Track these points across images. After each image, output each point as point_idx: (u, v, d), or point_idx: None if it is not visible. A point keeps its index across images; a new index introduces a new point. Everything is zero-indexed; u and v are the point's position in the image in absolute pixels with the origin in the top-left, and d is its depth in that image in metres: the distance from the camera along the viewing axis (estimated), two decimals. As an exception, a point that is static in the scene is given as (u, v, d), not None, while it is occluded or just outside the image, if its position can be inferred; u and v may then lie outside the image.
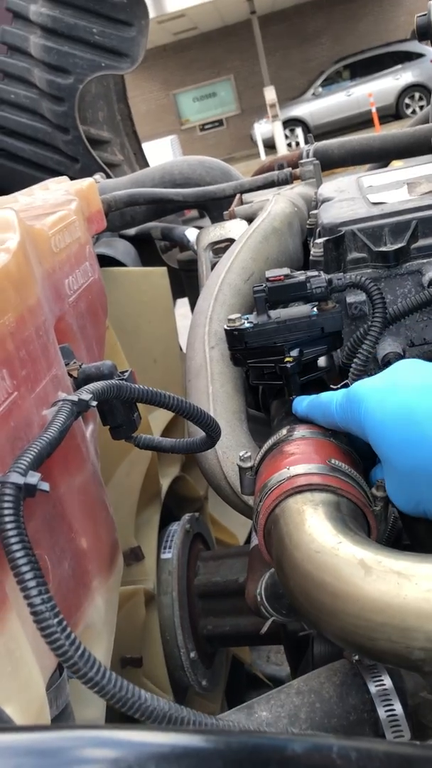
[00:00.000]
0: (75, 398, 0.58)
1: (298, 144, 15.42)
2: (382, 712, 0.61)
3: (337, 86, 16.06)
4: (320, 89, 16.18)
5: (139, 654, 1.12)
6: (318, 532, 0.56)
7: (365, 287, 0.80)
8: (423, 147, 1.35)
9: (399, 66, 14.79)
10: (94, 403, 0.59)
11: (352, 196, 1.02)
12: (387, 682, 0.62)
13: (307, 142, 1.57)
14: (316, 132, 15.82)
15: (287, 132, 15.26)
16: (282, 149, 13.88)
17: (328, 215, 0.92)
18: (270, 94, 14.01)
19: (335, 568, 0.52)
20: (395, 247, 0.84)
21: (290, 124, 15.71)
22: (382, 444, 0.59)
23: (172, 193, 1.35)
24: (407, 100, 14.79)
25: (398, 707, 0.61)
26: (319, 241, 0.87)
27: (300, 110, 15.98)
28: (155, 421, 1.35)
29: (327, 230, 0.88)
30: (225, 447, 0.85)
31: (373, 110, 13.33)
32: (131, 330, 1.39)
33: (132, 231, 1.87)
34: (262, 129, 15.60)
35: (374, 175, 1.14)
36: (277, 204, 1.05)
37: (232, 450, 0.85)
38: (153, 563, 1.22)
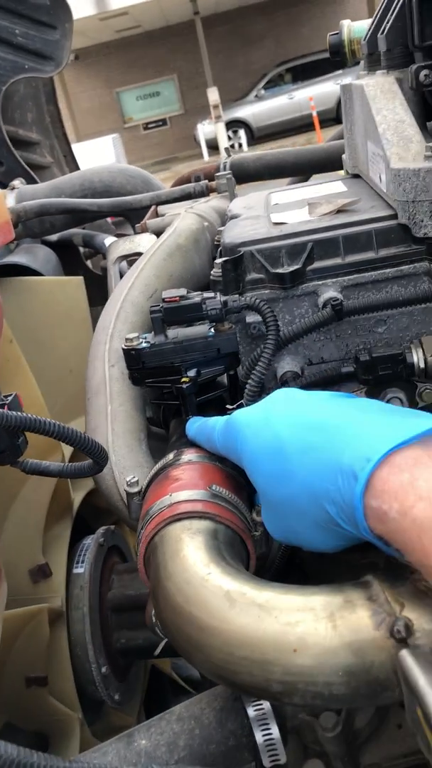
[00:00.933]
0: None
1: (240, 146, 15.51)
2: (259, 737, 0.62)
3: (279, 89, 16.24)
4: (263, 92, 16.32)
5: (45, 673, 1.10)
6: (190, 562, 0.56)
7: (259, 309, 0.81)
8: (336, 163, 1.37)
9: (340, 71, 15.02)
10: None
11: (257, 215, 1.02)
12: (266, 705, 0.63)
13: (228, 155, 1.58)
14: (258, 134, 15.95)
15: (230, 133, 15.33)
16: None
17: (230, 234, 0.93)
18: (213, 95, 14.05)
19: (202, 601, 0.52)
20: (291, 268, 0.85)
21: (233, 125, 15.79)
22: (255, 475, 0.60)
23: (86, 203, 1.33)
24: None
25: (275, 731, 0.62)
26: (219, 261, 0.87)
27: (243, 112, 16.09)
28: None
29: (227, 250, 0.89)
30: (122, 467, 0.85)
31: (314, 114, 13.52)
32: (46, 340, 1.36)
33: (54, 237, 1.85)
34: (205, 129, 15.64)
35: (283, 191, 1.16)
36: (183, 220, 1.05)
37: (129, 471, 0.84)
38: (62, 579, 1.20)
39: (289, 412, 0.60)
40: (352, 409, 0.57)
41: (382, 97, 0.95)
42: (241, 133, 15.54)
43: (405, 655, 0.43)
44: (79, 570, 1.28)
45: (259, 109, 15.99)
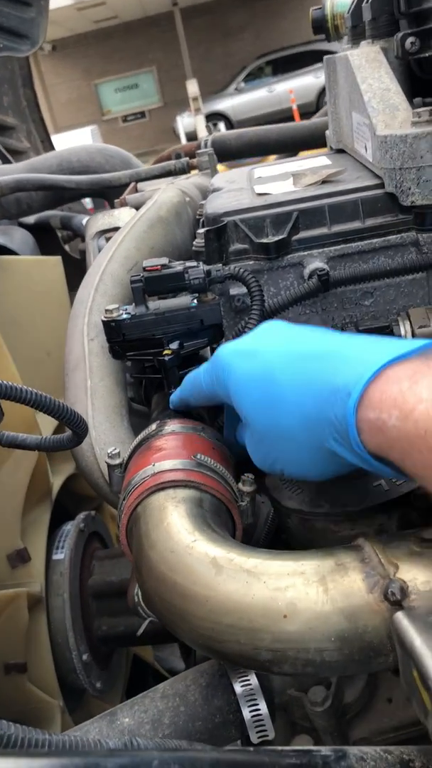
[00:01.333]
0: None
1: (220, 139, 15.42)
2: (246, 713, 0.60)
3: (259, 82, 16.19)
4: (242, 84, 16.27)
5: (24, 659, 1.07)
6: (174, 530, 0.54)
7: (243, 279, 0.79)
8: (319, 140, 1.35)
9: (319, 64, 14.99)
10: None
11: (240, 187, 1.00)
12: (253, 681, 0.61)
13: (209, 132, 1.55)
14: (238, 127, 15.88)
15: (210, 126, 15.27)
16: (204, 143, 13.85)
17: (213, 205, 0.90)
18: (192, 87, 13.98)
19: (187, 568, 0.50)
20: (276, 238, 0.83)
21: (213, 118, 15.72)
22: (243, 403, 0.59)
23: (64, 180, 1.30)
24: (324, 109, 15.03)
25: (263, 707, 0.60)
26: (201, 231, 0.85)
27: (222, 104, 16.03)
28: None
29: (210, 220, 0.86)
30: (103, 443, 0.82)
31: (294, 107, 13.50)
32: (22, 322, 1.33)
33: (31, 219, 1.81)
34: (184, 122, 15.55)
35: (266, 166, 1.13)
36: (165, 193, 1.02)
37: (110, 447, 0.82)
38: (41, 565, 1.17)
39: (277, 341, 0.60)
40: (342, 337, 0.56)
41: (368, 66, 0.93)
42: (221, 125, 15.45)
43: (400, 617, 0.42)
44: (59, 556, 1.26)
45: (238, 102, 15.93)
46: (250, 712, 0.60)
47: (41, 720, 1.14)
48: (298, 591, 0.45)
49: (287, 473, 0.60)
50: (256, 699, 0.60)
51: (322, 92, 15.03)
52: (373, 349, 0.50)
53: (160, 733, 0.59)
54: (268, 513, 0.81)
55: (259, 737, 0.60)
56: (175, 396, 0.74)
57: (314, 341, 0.57)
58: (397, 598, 0.43)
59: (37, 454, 1.17)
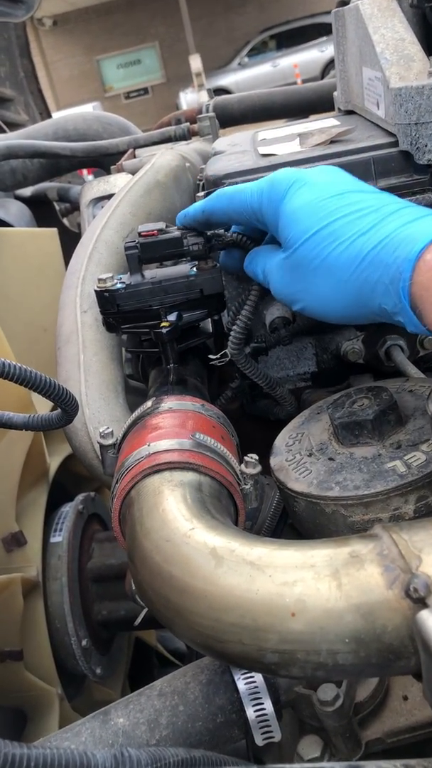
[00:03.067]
0: None
1: (224, 115, 15.22)
2: (250, 713, 0.55)
3: (263, 56, 15.92)
4: (246, 59, 16.01)
5: (20, 647, 1.03)
6: (170, 516, 0.49)
7: (246, 246, 0.73)
8: (327, 103, 1.28)
9: (324, 38, 14.74)
10: None
11: (243, 150, 0.94)
12: (258, 678, 0.56)
13: (211, 97, 1.48)
14: (242, 103, 15.63)
15: (213, 102, 15.04)
16: (208, 120, 13.67)
17: (214, 168, 0.85)
18: (195, 62, 13.75)
19: (184, 559, 0.45)
20: (281, 201, 0.77)
21: (216, 93, 15.42)
22: (292, 229, 0.61)
23: (58, 147, 1.24)
24: (332, 72, 14.77)
25: (268, 706, 0.55)
26: (201, 194, 0.79)
27: (226, 80, 15.77)
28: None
29: (211, 183, 0.81)
30: (97, 422, 0.77)
31: (299, 82, 13.28)
32: (17, 297, 1.28)
33: (28, 192, 1.75)
34: (187, 98, 15.33)
35: (271, 129, 1.07)
36: (163, 156, 0.96)
37: (104, 425, 0.77)
38: (38, 548, 1.13)
39: (348, 179, 0.63)
40: (407, 203, 0.59)
41: (380, 15, 0.86)
42: (225, 101, 15.24)
43: (425, 616, 0.37)
44: (57, 539, 1.21)
45: (242, 77, 15.67)
46: (255, 711, 0.55)
47: (39, 709, 1.10)
48: (307, 586, 0.40)
49: (307, 309, 0.63)
50: (260, 698, 0.56)
51: (326, 66, 14.77)
52: None
53: (157, 735, 0.55)
54: (274, 495, 0.76)
55: (264, 739, 0.55)
56: (197, 208, 0.72)
57: (378, 197, 0.60)
58: (420, 595, 0.38)
59: (32, 434, 1.12)
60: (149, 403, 0.64)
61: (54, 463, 1.26)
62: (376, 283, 0.56)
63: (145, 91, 19.24)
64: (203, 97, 13.94)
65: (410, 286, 0.52)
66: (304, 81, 13.51)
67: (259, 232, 0.73)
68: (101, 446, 0.64)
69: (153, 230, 0.73)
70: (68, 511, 1.26)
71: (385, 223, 0.56)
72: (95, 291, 0.74)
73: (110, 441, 0.63)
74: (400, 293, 0.53)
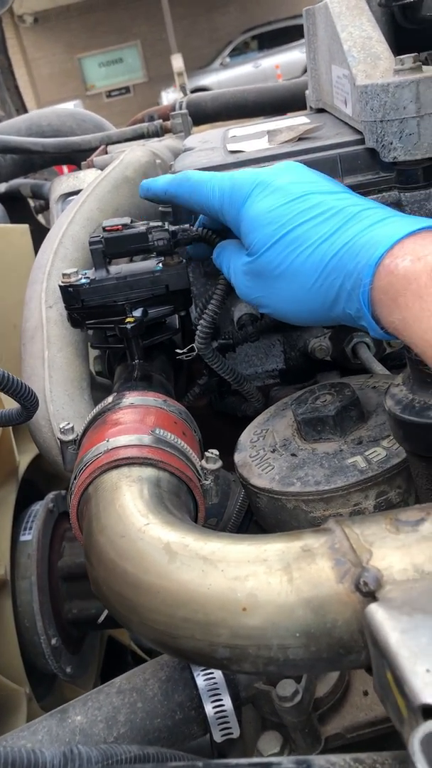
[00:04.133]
0: None
1: (205, 114, 15.20)
2: (209, 709, 0.55)
3: (245, 57, 15.95)
4: (228, 59, 16.03)
5: (-14, 646, 1.02)
6: (126, 512, 0.48)
7: (212, 241, 0.73)
8: (300, 102, 1.28)
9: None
10: None
11: (213, 146, 0.94)
12: (217, 675, 0.56)
13: (185, 93, 1.48)
14: (223, 103, 15.62)
15: (195, 102, 15.03)
16: (189, 119, 13.66)
17: (182, 164, 0.84)
18: (177, 62, 13.73)
19: (138, 555, 0.45)
20: (248, 197, 0.76)
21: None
22: (255, 235, 0.60)
23: (29, 143, 1.22)
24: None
25: (227, 702, 0.55)
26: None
27: (208, 80, 15.76)
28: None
29: (178, 179, 0.80)
30: (61, 418, 0.76)
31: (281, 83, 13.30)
32: (-13, 293, 1.26)
33: (1, 188, 1.73)
34: (169, 97, 15.28)
35: (242, 126, 1.07)
36: (132, 152, 0.95)
37: (68, 422, 0.76)
38: (7, 546, 1.11)
39: (305, 181, 0.62)
40: (369, 202, 0.60)
41: (348, 13, 0.86)
42: (206, 101, 15.23)
43: (373, 610, 0.36)
44: (26, 537, 1.20)
45: (224, 77, 15.66)
46: (214, 708, 0.55)
47: (7, 708, 1.09)
48: (259, 580, 0.40)
49: (273, 313, 0.63)
50: (220, 694, 0.55)
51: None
52: (402, 217, 0.56)
53: (115, 732, 0.54)
54: (239, 492, 0.76)
55: (222, 735, 0.55)
56: (161, 185, 0.72)
57: (339, 197, 0.60)
58: (370, 589, 0.38)
59: (1, 431, 1.11)
60: (110, 399, 0.63)
61: (24, 460, 1.25)
62: (339, 289, 0.56)
63: (127, 90, 19.18)
64: (177, 98, 13.90)
65: (370, 291, 0.52)
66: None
67: (224, 224, 0.73)
68: (61, 442, 0.63)
69: (118, 225, 0.72)
70: (38, 509, 1.25)
71: (347, 227, 0.56)
72: (59, 286, 0.73)
73: (71, 437, 0.63)
74: (360, 299, 0.53)
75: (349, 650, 0.39)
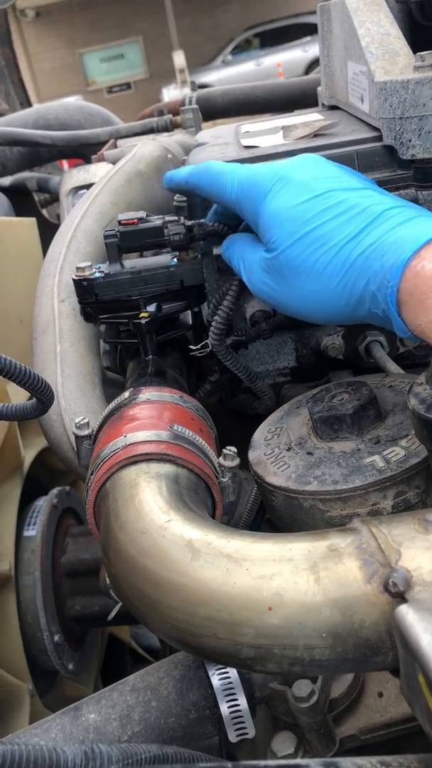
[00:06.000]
0: None
1: (206, 112, 15.18)
2: (224, 709, 0.54)
3: (246, 55, 15.90)
4: (230, 57, 15.98)
5: (-10, 642, 1.02)
6: (146, 509, 0.48)
7: (226, 237, 0.72)
8: (311, 98, 1.28)
9: (308, 38, 14.76)
10: None
11: (226, 142, 0.93)
12: (232, 674, 0.56)
13: (194, 89, 1.47)
14: (225, 101, 15.58)
15: (196, 99, 15.00)
16: (190, 116, 13.63)
17: (196, 159, 0.84)
18: (179, 58, 13.69)
19: (160, 552, 0.44)
20: (264, 193, 0.76)
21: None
22: (276, 232, 0.59)
23: (38, 135, 1.22)
24: (317, 69, 14.79)
25: (243, 701, 0.55)
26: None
27: (209, 77, 15.71)
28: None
29: (193, 174, 0.79)
30: (73, 413, 0.76)
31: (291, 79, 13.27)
32: (-6, 286, 1.26)
33: (6, 181, 1.72)
34: (171, 94, 15.25)
35: (254, 122, 1.06)
36: (145, 147, 0.95)
37: (80, 417, 0.75)
38: (11, 542, 1.11)
39: (330, 176, 0.61)
40: (394, 200, 0.59)
41: (366, 9, 0.86)
42: (208, 98, 15.20)
43: (403, 612, 0.36)
44: (30, 533, 1.20)
45: (226, 75, 15.61)
46: (229, 707, 0.54)
47: (10, 705, 1.09)
48: (285, 580, 0.40)
49: (292, 312, 0.62)
50: (235, 693, 0.55)
51: (310, 66, 14.78)
52: (427, 220, 0.55)
53: (129, 731, 0.54)
54: (251, 490, 0.75)
55: (237, 735, 0.55)
56: (183, 175, 0.70)
57: (363, 194, 0.59)
58: (399, 590, 0.37)
59: (7, 426, 1.10)
60: (126, 394, 0.63)
61: (29, 456, 1.25)
62: (364, 289, 0.55)
63: (128, 86, 19.12)
64: (186, 93, 13.88)
65: (397, 293, 0.52)
66: (287, 80, 13.51)
67: (238, 217, 0.72)
68: (77, 437, 0.62)
69: (133, 219, 0.72)
70: (42, 504, 1.24)
71: (373, 227, 0.55)
72: (73, 280, 0.73)
73: (86, 432, 0.62)
74: (388, 299, 0.52)
75: (375, 651, 0.38)
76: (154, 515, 0.47)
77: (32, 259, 1.34)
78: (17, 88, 2.67)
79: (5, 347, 1.29)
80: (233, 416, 0.90)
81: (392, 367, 0.76)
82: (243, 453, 0.67)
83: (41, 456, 1.31)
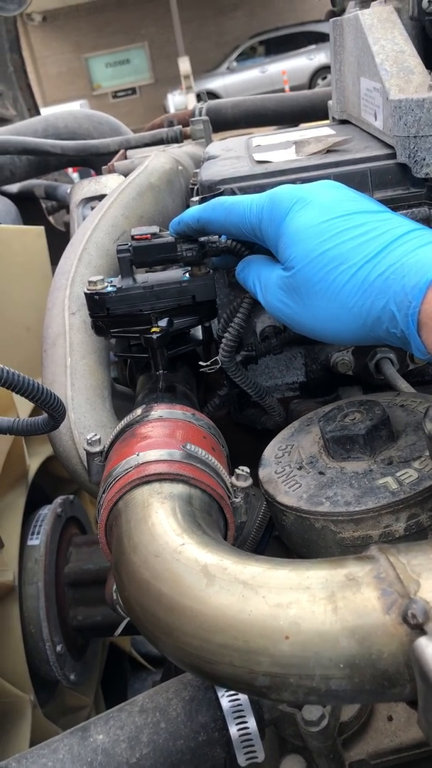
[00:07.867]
0: None
1: (211, 118, 15.20)
2: (234, 731, 0.54)
3: (252, 62, 15.95)
4: (235, 63, 16.03)
5: (-7, 652, 1.01)
6: (160, 531, 0.47)
7: (240, 253, 0.72)
8: (320, 111, 1.28)
9: (313, 46, 14.81)
10: None
11: (238, 155, 0.93)
12: (242, 696, 0.55)
13: (203, 100, 1.47)
14: (229, 107, 15.60)
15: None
16: (195, 122, 13.65)
17: (209, 173, 0.83)
18: (184, 64, 13.72)
19: (174, 577, 0.44)
20: (277, 209, 0.76)
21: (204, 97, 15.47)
22: (295, 250, 0.59)
23: (48, 144, 1.22)
24: (320, 81, 14.85)
25: (252, 724, 0.54)
26: (195, 199, 0.78)
27: (214, 84, 15.77)
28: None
29: (206, 188, 0.79)
30: (83, 427, 0.75)
31: (287, 89, 13.32)
32: (1, 294, 1.25)
33: (14, 188, 1.72)
34: (175, 100, 15.29)
35: (266, 135, 1.06)
36: (156, 159, 0.95)
37: (90, 431, 0.75)
38: (15, 551, 1.11)
39: (346, 199, 0.61)
40: (411, 223, 0.59)
41: (380, 26, 0.86)
42: (213, 105, 15.23)
43: (423, 645, 0.36)
44: (34, 542, 1.19)
45: (230, 82, 15.68)
46: (238, 730, 0.54)
47: (11, 716, 1.08)
48: (302, 608, 0.39)
49: (307, 329, 0.62)
50: (244, 716, 0.54)
51: (315, 74, 14.84)
52: None
53: (138, 753, 0.53)
54: (260, 506, 0.75)
55: (247, 758, 0.54)
56: (193, 214, 0.69)
57: (383, 218, 0.59)
58: (418, 621, 0.37)
59: (12, 436, 1.10)
60: (139, 411, 0.62)
61: (33, 464, 1.24)
62: (382, 310, 0.55)
63: (133, 91, 19.17)
64: (191, 99, 13.92)
65: (418, 314, 0.52)
66: (292, 88, 13.56)
67: (253, 242, 0.72)
68: (88, 453, 0.62)
69: (146, 234, 0.71)
70: (46, 513, 1.24)
71: (392, 248, 0.56)
72: (85, 293, 0.73)
73: (97, 448, 0.62)
74: (409, 320, 0.52)
75: (393, 683, 0.38)
76: (168, 538, 0.46)
77: (40, 267, 1.34)
78: (25, 94, 2.67)
79: (12, 354, 1.29)
80: (242, 430, 0.90)
81: (403, 384, 0.76)
82: (252, 467, 0.67)
83: (45, 464, 1.30)
